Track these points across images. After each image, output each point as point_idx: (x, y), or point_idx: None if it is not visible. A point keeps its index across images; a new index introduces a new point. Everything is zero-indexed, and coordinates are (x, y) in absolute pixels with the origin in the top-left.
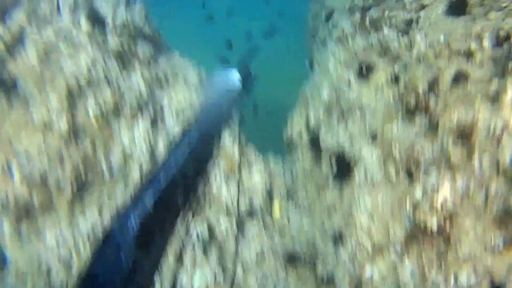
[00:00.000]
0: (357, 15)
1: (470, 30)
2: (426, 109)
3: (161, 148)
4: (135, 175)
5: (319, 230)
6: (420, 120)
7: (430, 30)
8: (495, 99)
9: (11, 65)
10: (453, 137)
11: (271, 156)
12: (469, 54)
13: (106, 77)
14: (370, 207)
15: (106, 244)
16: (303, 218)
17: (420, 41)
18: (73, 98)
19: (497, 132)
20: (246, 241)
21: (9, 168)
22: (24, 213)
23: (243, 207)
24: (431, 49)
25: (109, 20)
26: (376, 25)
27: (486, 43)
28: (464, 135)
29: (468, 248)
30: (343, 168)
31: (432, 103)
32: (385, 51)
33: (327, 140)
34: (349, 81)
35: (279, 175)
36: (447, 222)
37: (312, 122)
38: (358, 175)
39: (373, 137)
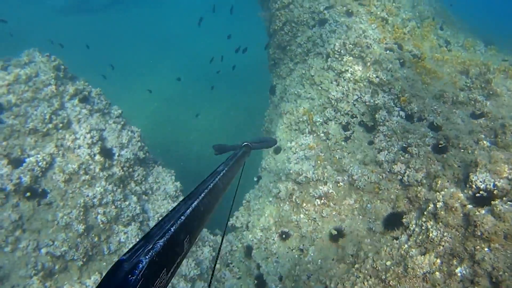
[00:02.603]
0: (290, 184)
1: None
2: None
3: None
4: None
5: None
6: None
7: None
8: None
9: (43, 181)
10: None
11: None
12: None
13: (113, 201)
14: None
15: (116, 270)
16: (234, 280)
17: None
18: (87, 210)
19: None
20: None
21: (38, 247)
22: (48, 273)
23: (194, 272)
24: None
25: (115, 154)
26: (298, 207)
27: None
28: None
29: None
30: (261, 284)
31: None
32: (299, 229)
33: (255, 257)
34: (274, 239)
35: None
36: None
37: (249, 238)
38: None
39: (279, 278)
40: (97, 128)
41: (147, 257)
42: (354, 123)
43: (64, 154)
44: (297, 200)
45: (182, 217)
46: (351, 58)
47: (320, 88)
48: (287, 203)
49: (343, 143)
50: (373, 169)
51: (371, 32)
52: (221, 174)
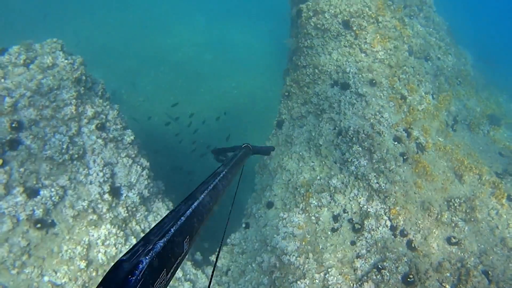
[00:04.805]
0: (273, 259)
1: None
2: None
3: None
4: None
5: None
6: None
7: None
8: None
9: (53, 213)
10: None
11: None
12: None
13: (114, 244)
14: None
15: (116, 270)
16: None
17: None
18: (91, 247)
19: None
20: None
21: (42, 274)
22: None
23: None
24: None
25: (123, 195)
26: None
27: None
28: None
29: None
30: None
31: None
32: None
33: None
34: None
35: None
36: None
37: None
38: None
39: None
40: (110, 162)
41: (147, 257)
42: (344, 218)
43: (76, 187)
44: (276, 282)
45: (182, 218)
46: (360, 149)
47: (323, 163)
48: (267, 277)
49: (329, 232)
50: (347, 275)
51: (386, 115)
52: (221, 175)
